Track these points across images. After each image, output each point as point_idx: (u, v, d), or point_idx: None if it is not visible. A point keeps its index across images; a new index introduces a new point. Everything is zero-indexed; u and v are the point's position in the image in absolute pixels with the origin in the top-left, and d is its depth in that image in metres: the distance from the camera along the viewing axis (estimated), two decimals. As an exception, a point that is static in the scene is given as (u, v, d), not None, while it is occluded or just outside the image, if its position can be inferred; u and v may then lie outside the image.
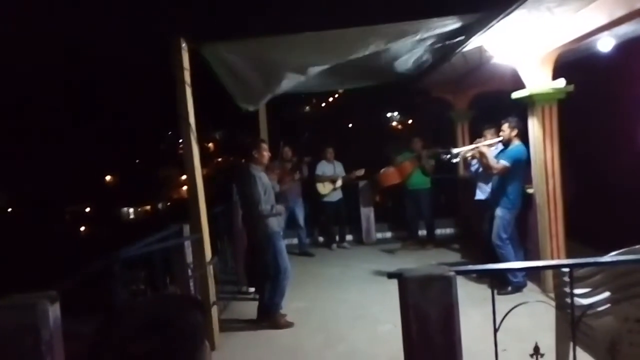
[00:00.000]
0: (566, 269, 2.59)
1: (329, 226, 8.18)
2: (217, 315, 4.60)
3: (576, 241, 5.74)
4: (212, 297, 4.45)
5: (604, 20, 3.76)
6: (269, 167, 5.48)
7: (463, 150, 5.90)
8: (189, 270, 4.36)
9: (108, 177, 34.43)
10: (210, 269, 4.43)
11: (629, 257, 2.43)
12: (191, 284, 4.37)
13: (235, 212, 6.00)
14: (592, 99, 6.14)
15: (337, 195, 7.96)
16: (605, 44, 5.18)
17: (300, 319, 4.95)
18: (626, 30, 4.97)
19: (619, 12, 3.56)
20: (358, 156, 9.04)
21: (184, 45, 4.44)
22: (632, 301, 2.59)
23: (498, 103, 6.95)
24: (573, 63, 6.10)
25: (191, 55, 4.58)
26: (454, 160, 6.05)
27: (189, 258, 4.45)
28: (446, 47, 5.44)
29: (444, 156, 6.12)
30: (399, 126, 27.19)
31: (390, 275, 2.26)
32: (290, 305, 5.42)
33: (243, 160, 5.24)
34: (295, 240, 7.76)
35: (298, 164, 7.59)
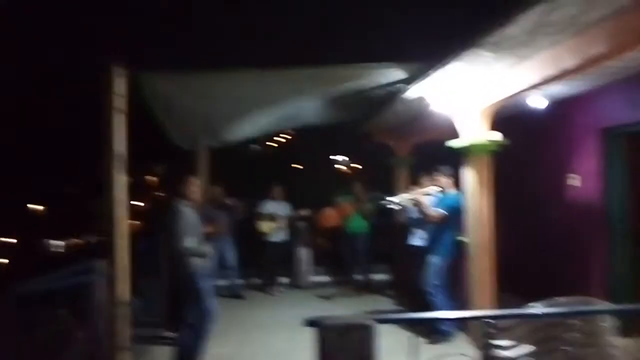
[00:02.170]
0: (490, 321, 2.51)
1: (268, 268, 7.86)
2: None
3: (508, 292, 5.79)
4: (124, 341, 4.06)
5: (536, 78, 3.89)
6: (200, 207, 5.24)
7: (401, 198, 5.89)
8: (98, 312, 3.96)
9: (35, 207, 32.33)
10: (125, 310, 4.05)
11: (548, 309, 2.38)
12: (100, 325, 3.96)
13: (161, 249, 5.65)
14: (525, 154, 6.37)
15: (281, 236, 7.72)
16: (538, 101, 5.43)
17: (221, 368, 4.62)
18: (557, 90, 5.24)
19: (550, 71, 3.69)
20: (306, 197, 8.90)
21: (117, 70, 4.23)
22: (552, 355, 2.54)
23: (438, 151, 7.09)
24: (510, 117, 6.35)
25: (130, 85, 4.38)
26: (392, 207, 6.03)
27: (101, 298, 4.06)
28: (387, 94, 5.54)
29: (382, 203, 6.11)
30: (347, 169, 27.58)
31: (308, 323, 2.09)
32: (211, 351, 5.06)
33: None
34: (225, 282, 7.41)
35: (230, 205, 7.33)
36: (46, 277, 3.41)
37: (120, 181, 4.17)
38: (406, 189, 7.60)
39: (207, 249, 4.69)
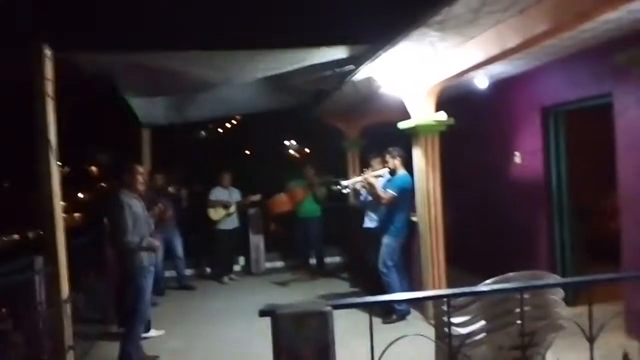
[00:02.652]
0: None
1: (220, 256, 7.68)
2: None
3: (457, 268, 5.96)
4: (68, 340, 3.84)
5: (481, 57, 3.93)
6: (146, 196, 5.02)
7: (352, 182, 5.90)
8: (39, 310, 3.73)
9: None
10: (67, 308, 3.83)
11: (499, 285, 2.43)
12: (41, 325, 3.73)
13: (106, 243, 5.40)
14: (471, 133, 6.52)
15: (233, 223, 7.53)
16: (481, 81, 5.53)
17: (176, 361, 4.48)
18: (501, 69, 5.36)
19: (494, 50, 3.74)
20: (256, 183, 8.74)
21: (47, 52, 3.93)
22: (504, 330, 2.60)
23: (388, 133, 7.14)
24: (456, 98, 6.46)
25: (63, 66, 4.08)
26: (344, 191, 6.02)
27: (41, 295, 3.83)
28: (335, 76, 5.48)
29: (334, 187, 6.09)
30: (297, 154, 27.40)
31: (263, 313, 2.02)
32: (164, 345, 4.92)
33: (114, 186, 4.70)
34: (173, 273, 7.21)
35: (174, 194, 7.11)
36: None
37: (55, 173, 3.91)
38: (357, 172, 7.66)
39: (155, 242, 4.48)
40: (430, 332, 3.19)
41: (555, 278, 2.78)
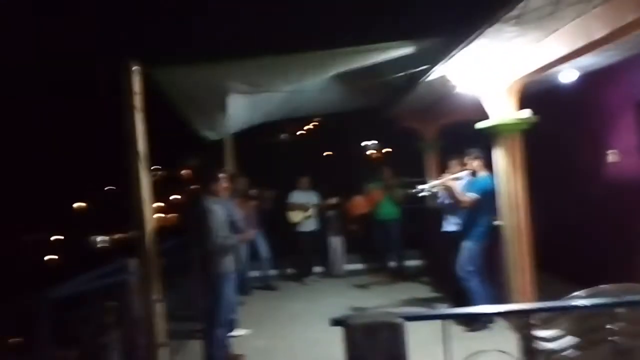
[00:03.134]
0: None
1: (301, 258, 7.88)
2: (168, 357, 4.27)
3: (549, 274, 5.63)
4: (160, 337, 4.12)
5: (564, 50, 3.70)
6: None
7: (429, 185, 5.74)
8: (134, 309, 4.03)
9: (77, 205, 33.35)
10: (159, 307, 4.11)
11: (589, 301, 2.26)
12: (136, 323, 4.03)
13: (193, 246, 5.70)
14: (559, 131, 6.13)
15: (312, 225, 7.71)
16: (569, 75, 5.18)
17: (260, 360, 4.63)
18: (588, 62, 4.98)
19: (579, 43, 3.50)
20: (336, 185, 8.83)
21: (134, 68, 4.24)
22: (597, 347, 2.41)
23: (467, 133, 6.90)
24: (540, 94, 6.10)
25: (147, 81, 4.39)
26: (422, 195, 5.88)
27: (134, 296, 4.13)
28: (409, 75, 5.39)
29: (411, 191, 5.99)
30: (377, 154, 27.20)
31: (335, 322, 2.05)
32: (250, 344, 5.11)
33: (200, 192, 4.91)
34: (258, 273, 7.46)
35: (259, 197, 7.35)
36: (79, 279, 3.46)
37: (145, 180, 4.20)
38: (435, 173, 7.46)
39: (236, 241, 4.68)
40: (516, 345, 3.03)
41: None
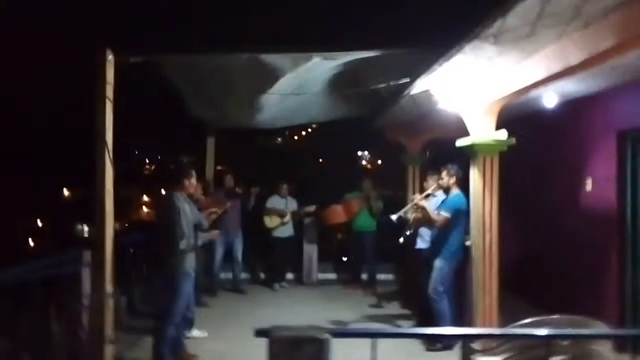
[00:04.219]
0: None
1: (274, 263, 7.77)
2: (116, 352, 4.15)
3: (516, 297, 5.57)
4: (108, 333, 4.00)
5: (542, 74, 3.64)
6: (197, 199, 5.19)
7: (402, 212, 5.62)
8: (83, 302, 3.91)
9: (66, 193, 33.04)
10: (109, 301, 3.99)
11: (524, 330, 2.18)
12: (84, 317, 3.91)
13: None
14: (537, 155, 6.10)
15: (288, 232, 7.62)
16: (550, 100, 5.14)
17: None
18: (571, 88, 4.95)
19: (556, 67, 3.45)
20: (321, 192, 8.73)
21: (110, 57, 4.15)
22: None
23: (451, 149, 6.85)
24: (523, 117, 6.06)
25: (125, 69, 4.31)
26: (395, 221, 5.75)
27: (86, 288, 4.02)
28: (393, 88, 5.34)
29: (386, 219, 5.92)
30: (370, 165, 27.10)
31: (259, 333, 1.95)
32: (206, 346, 5.00)
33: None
34: (229, 275, 7.35)
35: (244, 194, 7.31)
36: (26, 266, 3.35)
37: (109, 171, 4.11)
38: (416, 187, 7.38)
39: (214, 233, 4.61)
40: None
41: (600, 326, 2.46)
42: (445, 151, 7.30)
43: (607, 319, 4.87)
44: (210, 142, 7.93)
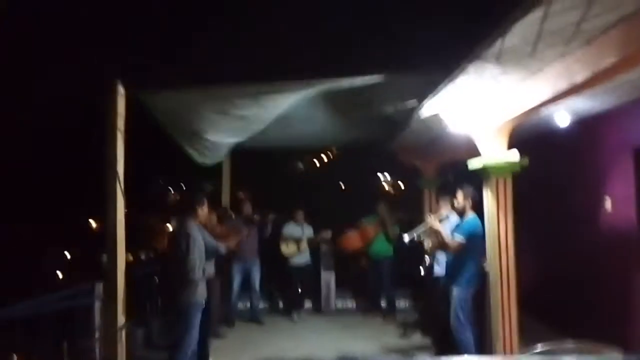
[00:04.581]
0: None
1: (292, 292, 7.67)
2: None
3: (532, 315, 5.37)
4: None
5: (548, 93, 3.58)
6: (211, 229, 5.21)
7: (415, 233, 5.52)
8: (95, 336, 3.91)
9: (94, 224, 33.63)
10: (122, 335, 3.98)
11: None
12: (96, 352, 3.90)
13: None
14: (552, 175, 5.98)
15: (304, 259, 7.53)
16: (563, 119, 5.05)
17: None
18: (584, 106, 4.86)
19: (561, 85, 3.38)
20: (340, 218, 8.60)
21: (120, 89, 4.26)
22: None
23: (465, 172, 6.75)
24: (536, 137, 5.97)
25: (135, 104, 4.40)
26: (409, 242, 5.65)
27: (98, 321, 4.02)
28: (402, 111, 5.33)
29: (399, 239, 5.84)
30: (392, 189, 26.85)
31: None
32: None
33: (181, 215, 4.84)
34: (248, 304, 7.29)
35: (262, 221, 7.29)
36: (39, 299, 3.38)
37: (120, 202, 4.16)
38: (433, 212, 7.26)
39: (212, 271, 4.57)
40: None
41: (613, 354, 2.34)
42: (462, 174, 7.22)
43: (631, 342, 4.68)
44: (226, 166, 7.98)
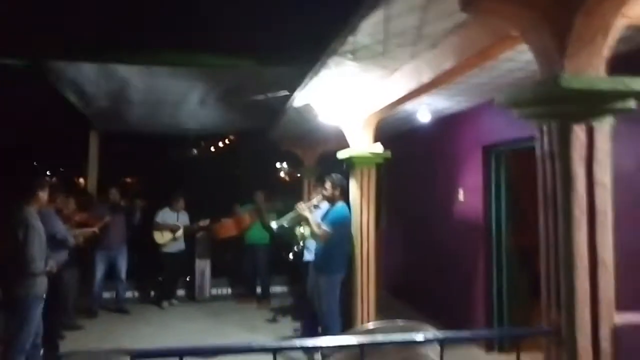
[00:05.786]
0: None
1: (163, 280, 7.40)
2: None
3: (400, 302, 5.72)
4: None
5: (402, 91, 3.80)
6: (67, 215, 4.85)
7: (284, 220, 5.58)
8: None
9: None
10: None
11: (338, 339, 2.20)
12: None
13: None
14: (415, 168, 6.39)
15: (177, 247, 7.29)
16: (424, 115, 5.40)
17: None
18: (441, 105, 5.23)
19: (412, 85, 3.60)
20: (220, 206, 8.38)
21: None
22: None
23: (341, 162, 6.97)
24: (404, 132, 6.31)
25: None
26: (278, 229, 5.70)
27: None
28: (277, 100, 5.35)
29: (270, 227, 5.90)
30: (288, 177, 26.93)
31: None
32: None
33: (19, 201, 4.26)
34: (113, 294, 6.93)
35: (129, 207, 6.95)
36: None
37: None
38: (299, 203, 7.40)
39: (53, 267, 4.20)
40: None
41: (428, 331, 2.55)
42: (337, 163, 7.44)
43: (477, 319, 5.19)
44: (93, 151, 7.49)
